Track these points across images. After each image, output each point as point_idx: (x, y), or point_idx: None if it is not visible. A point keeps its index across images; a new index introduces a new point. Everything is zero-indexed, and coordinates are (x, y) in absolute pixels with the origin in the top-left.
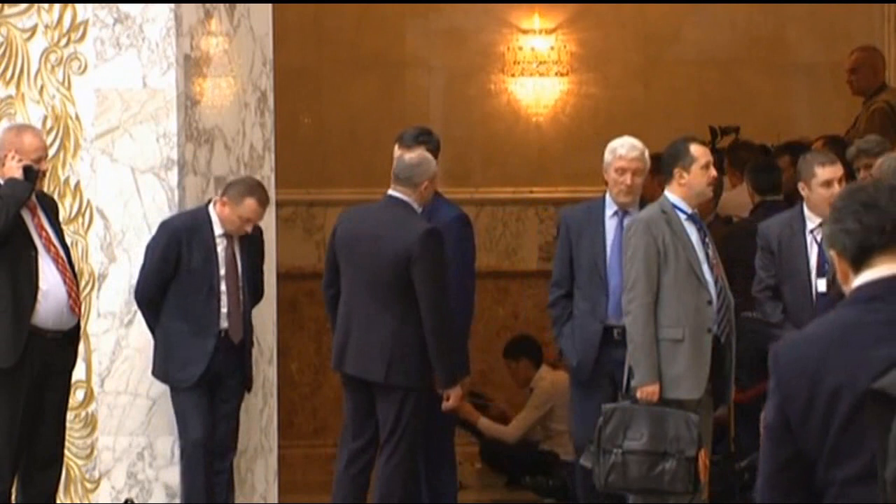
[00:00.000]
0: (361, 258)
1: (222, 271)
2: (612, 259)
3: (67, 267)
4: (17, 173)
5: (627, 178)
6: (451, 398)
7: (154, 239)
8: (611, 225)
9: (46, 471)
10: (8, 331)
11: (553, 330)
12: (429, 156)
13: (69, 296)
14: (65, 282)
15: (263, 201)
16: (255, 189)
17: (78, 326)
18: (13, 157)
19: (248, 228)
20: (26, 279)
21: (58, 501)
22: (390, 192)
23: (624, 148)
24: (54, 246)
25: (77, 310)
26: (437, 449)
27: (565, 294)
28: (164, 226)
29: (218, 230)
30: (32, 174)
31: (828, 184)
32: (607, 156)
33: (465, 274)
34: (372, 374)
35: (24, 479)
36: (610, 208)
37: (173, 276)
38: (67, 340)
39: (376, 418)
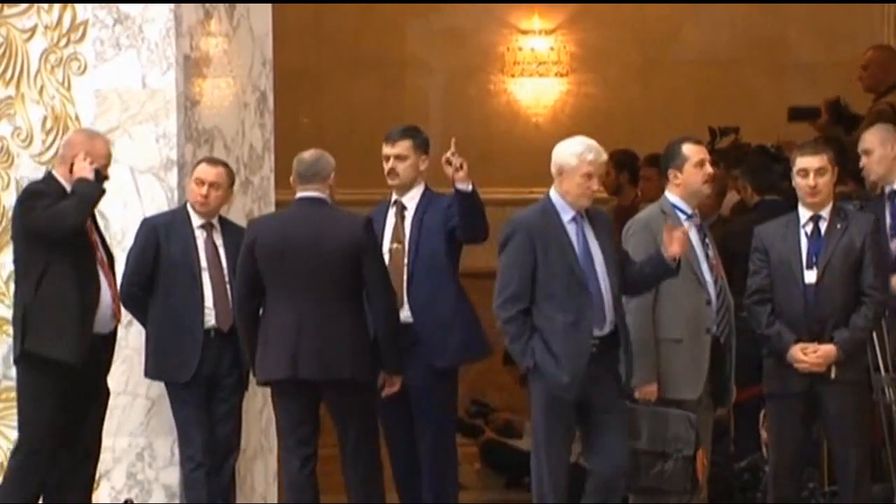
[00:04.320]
0: (298, 263)
1: (204, 262)
2: (586, 266)
3: (110, 272)
4: (90, 174)
5: (594, 183)
6: (396, 383)
7: (134, 238)
8: (572, 230)
9: (85, 463)
10: (76, 330)
11: (513, 347)
12: (324, 151)
13: (113, 300)
14: (110, 286)
15: (213, 161)
16: (205, 158)
17: (116, 330)
18: (85, 159)
19: (205, 192)
20: (90, 282)
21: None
22: (301, 194)
23: (592, 153)
24: (100, 251)
25: (118, 314)
26: (438, 449)
27: (525, 309)
28: (143, 223)
29: (197, 221)
30: (101, 178)
31: (804, 172)
32: (571, 159)
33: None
34: (337, 373)
35: (68, 472)
36: (566, 213)
37: (155, 272)
38: (105, 343)
39: (317, 420)
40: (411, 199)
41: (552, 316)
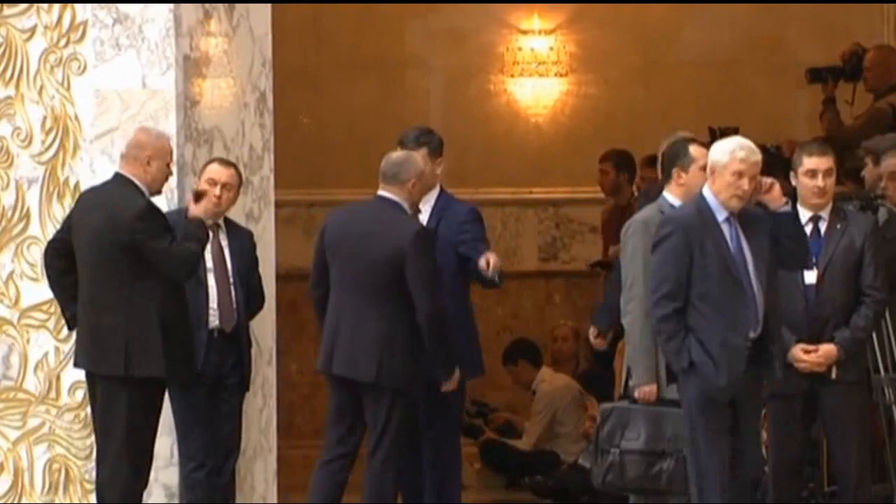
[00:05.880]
0: (350, 257)
1: (209, 263)
2: (740, 267)
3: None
4: (202, 213)
5: (745, 183)
6: (452, 384)
7: None
8: (726, 230)
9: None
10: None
11: (668, 346)
12: (415, 154)
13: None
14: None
15: (224, 162)
16: (216, 158)
17: None
18: (197, 200)
19: (218, 192)
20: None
21: (56, 501)
22: (380, 192)
23: (743, 151)
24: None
25: None
26: (440, 449)
27: (680, 308)
28: None
29: None
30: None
31: (812, 173)
32: (722, 157)
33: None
34: (362, 375)
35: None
36: (720, 213)
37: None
38: None
39: (361, 418)
40: (426, 203)
41: (708, 316)
